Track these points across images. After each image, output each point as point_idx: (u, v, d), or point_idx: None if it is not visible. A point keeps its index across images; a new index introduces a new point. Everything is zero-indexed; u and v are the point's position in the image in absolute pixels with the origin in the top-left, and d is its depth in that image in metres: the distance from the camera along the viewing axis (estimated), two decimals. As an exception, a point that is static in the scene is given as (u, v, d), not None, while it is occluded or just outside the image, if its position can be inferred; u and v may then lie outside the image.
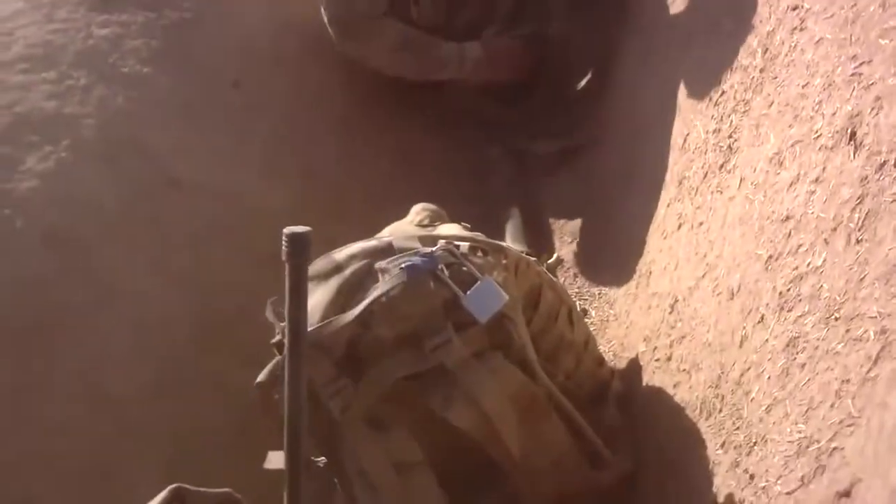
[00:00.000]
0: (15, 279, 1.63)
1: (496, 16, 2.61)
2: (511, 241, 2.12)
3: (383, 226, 1.48)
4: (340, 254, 1.31)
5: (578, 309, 1.69)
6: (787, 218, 1.26)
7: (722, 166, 1.59)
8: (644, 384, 1.66)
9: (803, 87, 1.34)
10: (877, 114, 1.12)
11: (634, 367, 1.71)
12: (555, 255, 2.20)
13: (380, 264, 1.27)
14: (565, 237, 2.30)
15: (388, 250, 1.29)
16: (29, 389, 1.56)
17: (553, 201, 2.43)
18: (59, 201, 1.70)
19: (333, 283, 1.28)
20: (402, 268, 1.24)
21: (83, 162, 1.78)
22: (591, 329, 1.76)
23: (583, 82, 2.66)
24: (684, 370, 1.51)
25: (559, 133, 2.57)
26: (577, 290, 2.12)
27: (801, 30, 1.38)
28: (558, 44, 2.57)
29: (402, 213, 1.52)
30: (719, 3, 1.77)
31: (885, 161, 1.07)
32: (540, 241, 2.27)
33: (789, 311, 1.19)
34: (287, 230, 1.03)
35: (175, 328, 1.74)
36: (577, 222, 2.30)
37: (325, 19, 2.37)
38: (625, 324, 1.91)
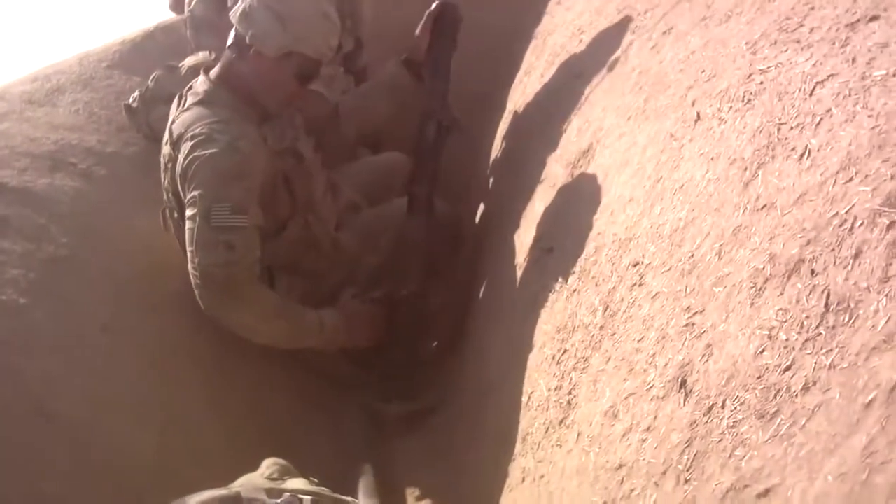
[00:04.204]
0: None
1: (355, 278, 2.64)
2: (364, 498, 2.03)
3: (241, 474, 1.53)
4: (192, 500, 1.35)
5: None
6: (620, 466, 1.25)
7: (562, 422, 1.57)
8: None
9: (639, 341, 1.37)
10: (706, 360, 1.14)
11: None
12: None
13: None
14: (416, 493, 2.21)
15: (236, 499, 1.37)
16: None
17: (405, 459, 2.37)
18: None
19: None
20: None
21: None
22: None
23: (435, 344, 2.68)
24: None
25: (411, 395, 2.57)
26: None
27: (640, 285, 1.43)
28: (412, 307, 2.58)
29: (255, 466, 1.58)
30: (564, 261, 1.84)
31: (713, 404, 1.08)
32: (392, 498, 2.18)
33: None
34: None
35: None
36: (429, 479, 2.23)
37: (195, 281, 2.22)
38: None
